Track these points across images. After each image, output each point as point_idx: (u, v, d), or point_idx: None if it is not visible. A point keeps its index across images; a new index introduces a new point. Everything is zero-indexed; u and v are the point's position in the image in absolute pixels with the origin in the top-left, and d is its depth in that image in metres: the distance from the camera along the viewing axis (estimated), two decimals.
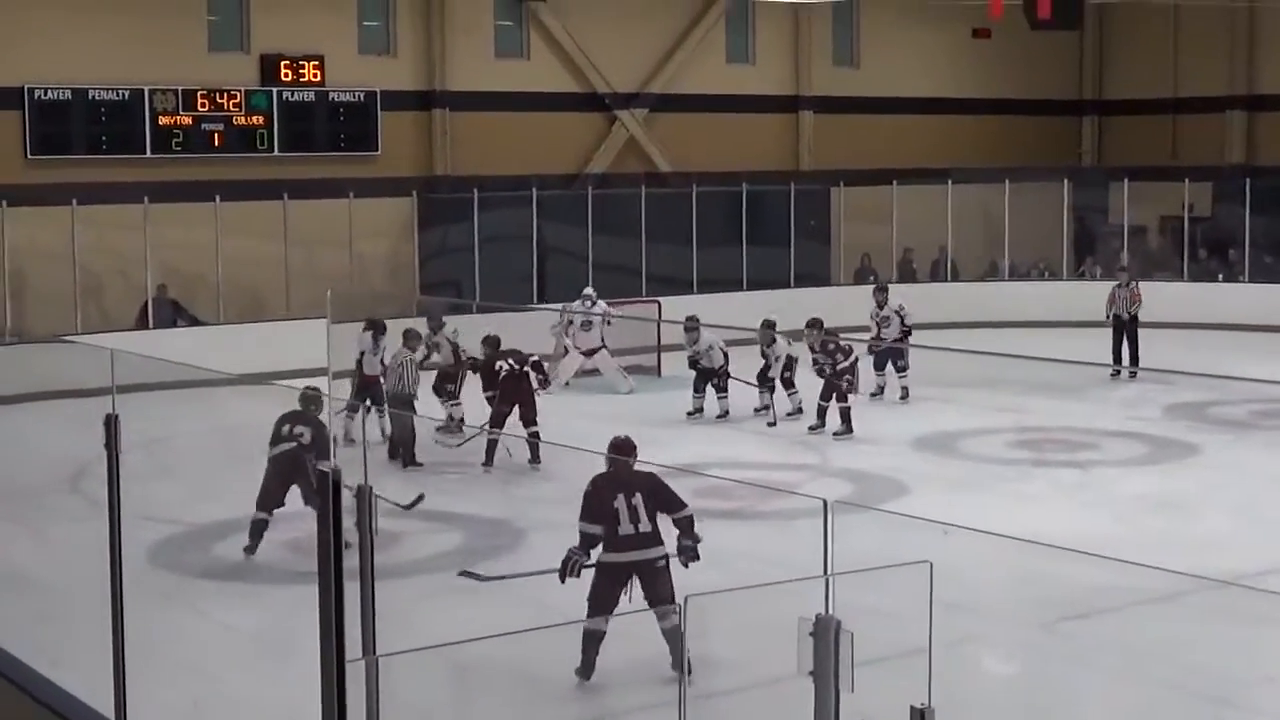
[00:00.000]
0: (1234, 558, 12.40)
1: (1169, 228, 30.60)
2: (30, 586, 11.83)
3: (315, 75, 24.93)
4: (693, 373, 19.50)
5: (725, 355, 19.28)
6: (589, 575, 9.46)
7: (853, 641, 5.12)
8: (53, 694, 7.51)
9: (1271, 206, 28.48)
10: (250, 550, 12.83)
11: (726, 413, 19.22)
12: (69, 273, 21.70)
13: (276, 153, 24.56)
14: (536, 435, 16.25)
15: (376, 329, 17.85)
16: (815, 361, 18.71)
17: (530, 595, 11.73)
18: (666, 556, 9.38)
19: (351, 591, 6.51)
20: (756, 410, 19.31)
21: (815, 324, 19.30)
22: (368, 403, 17.77)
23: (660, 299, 24.46)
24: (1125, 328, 22.72)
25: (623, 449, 9.93)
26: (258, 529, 12.91)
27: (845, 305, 23.26)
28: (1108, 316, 22.96)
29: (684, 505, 9.51)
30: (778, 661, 6.42)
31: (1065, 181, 29.86)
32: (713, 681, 8.98)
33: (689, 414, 19.35)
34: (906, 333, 20.97)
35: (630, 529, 9.35)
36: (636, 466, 9.74)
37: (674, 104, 28.54)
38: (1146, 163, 30.79)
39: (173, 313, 22.93)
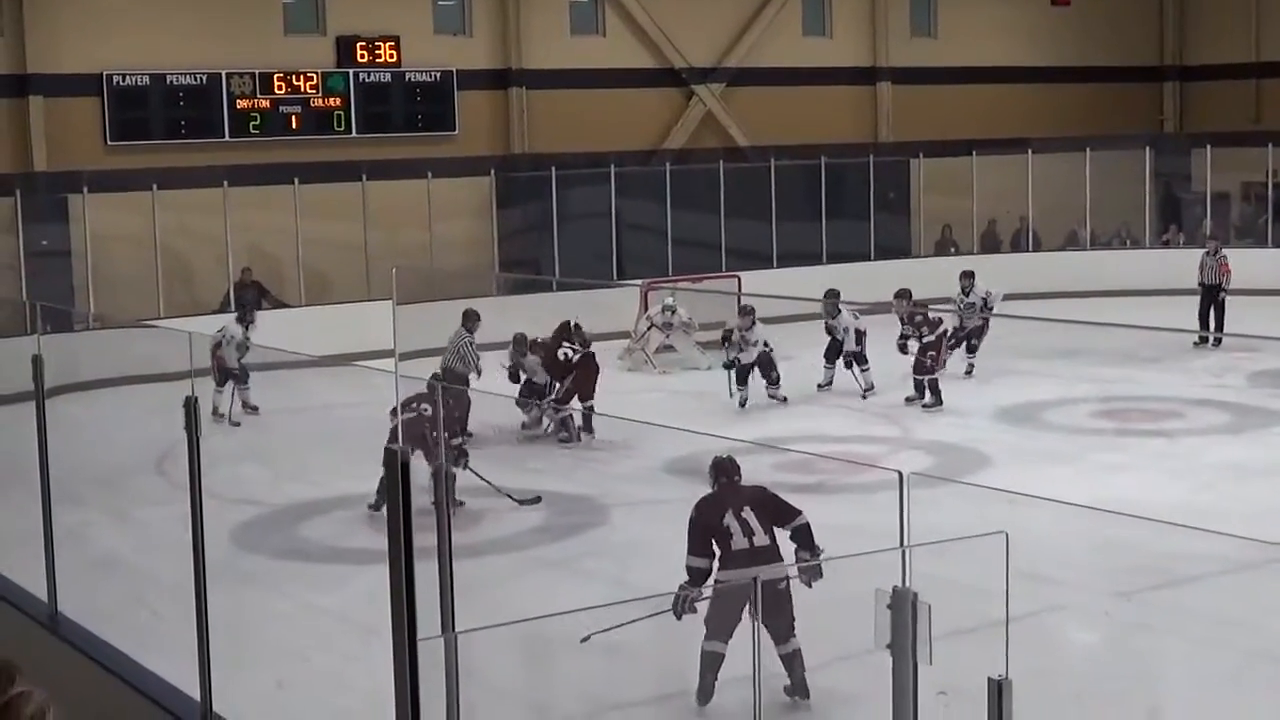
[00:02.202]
0: None
1: (1252, 194, 30.19)
2: (117, 570, 11.97)
3: (391, 56, 25.04)
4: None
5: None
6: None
7: (930, 614, 5.10)
8: (141, 676, 7.59)
9: None
10: (374, 507, 12.78)
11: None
12: (151, 257, 21.93)
13: (354, 134, 24.71)
14: (591, 409, 16.39)
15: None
16: (903, 334, 18.61)
17: (610, 573, 11.78)
18: (787, 578, 8.67)
19: (431, 570, 6.57)
20: (820, 386, 19.18)
21: (904, 294, 19.15)
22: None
23: (740, 274, 24.40)
24: (1212, 296, 22.51)
25: (725, 469, 9.26)
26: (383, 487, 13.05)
27: (927, 277, 23.10)
28: (1200, 284, 22.77)
29: (798, 513, 8.94)
30: (856, 634, 6.41)
31: (1147, 149, 29.53)
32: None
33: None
34: (986, 320, 20.43)
35: (745, 543, 8.74)
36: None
37: (751, 78, 28.45)
38: (1229, 128, 30.43)
39: (257, 295, 23.11)
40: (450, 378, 16.92)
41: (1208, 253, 23.14)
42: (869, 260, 26.85)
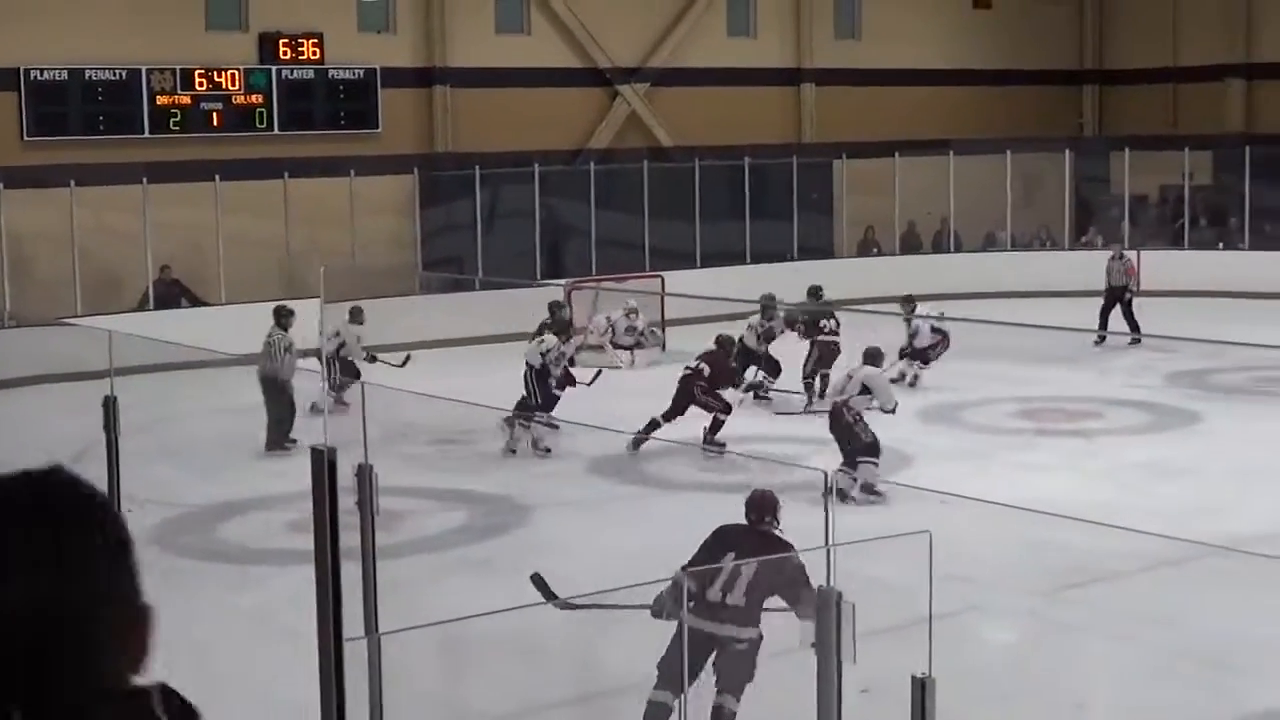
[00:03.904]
0: (1236, 523, 12.42)
1: (1169, 196, 30.56)
2: None
3: (314, 53, 24.87)
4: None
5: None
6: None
7: (854, 612, 5.11)
8: None
9: (1271, 174, 28.46)
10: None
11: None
12: (68, 255, 21.66)
13: (276, 131, 24.51)
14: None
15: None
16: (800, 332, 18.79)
17: (538, 571, 11.73)
18: (752, 641, 7.76)
19: (354, 571, 6.52)
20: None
21: (815, 292, 19.33)
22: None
23: (663, 274, 24.42)
24: (1117, 297, 22.78)
25: (756, 504, 8.21)
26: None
27: (850, 278, 23.22)
28: (1107, 287, 23.08)
29: (808, 595, 7.28)
30: (781, 633, 6.42)
31: (1066, 151, 29.85)
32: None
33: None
34: (939, 339, 19.74)
35: (718, 596, 7.77)
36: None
37: (676, 78, 28.48)
38: (1147, 132, 30.78)
39: (176, 294, 22.90)
40: (264, 382, 16.31)
41: (1113, 256, 23.43)
42: (792, 260, 26.96)
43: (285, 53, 24.63)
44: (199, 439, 16.89)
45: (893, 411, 14.37)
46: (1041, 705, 8.76)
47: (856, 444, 13.80)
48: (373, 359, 18.51)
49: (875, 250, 28.73)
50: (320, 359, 18.34)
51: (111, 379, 7.24)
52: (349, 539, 6.43)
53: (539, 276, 24.75)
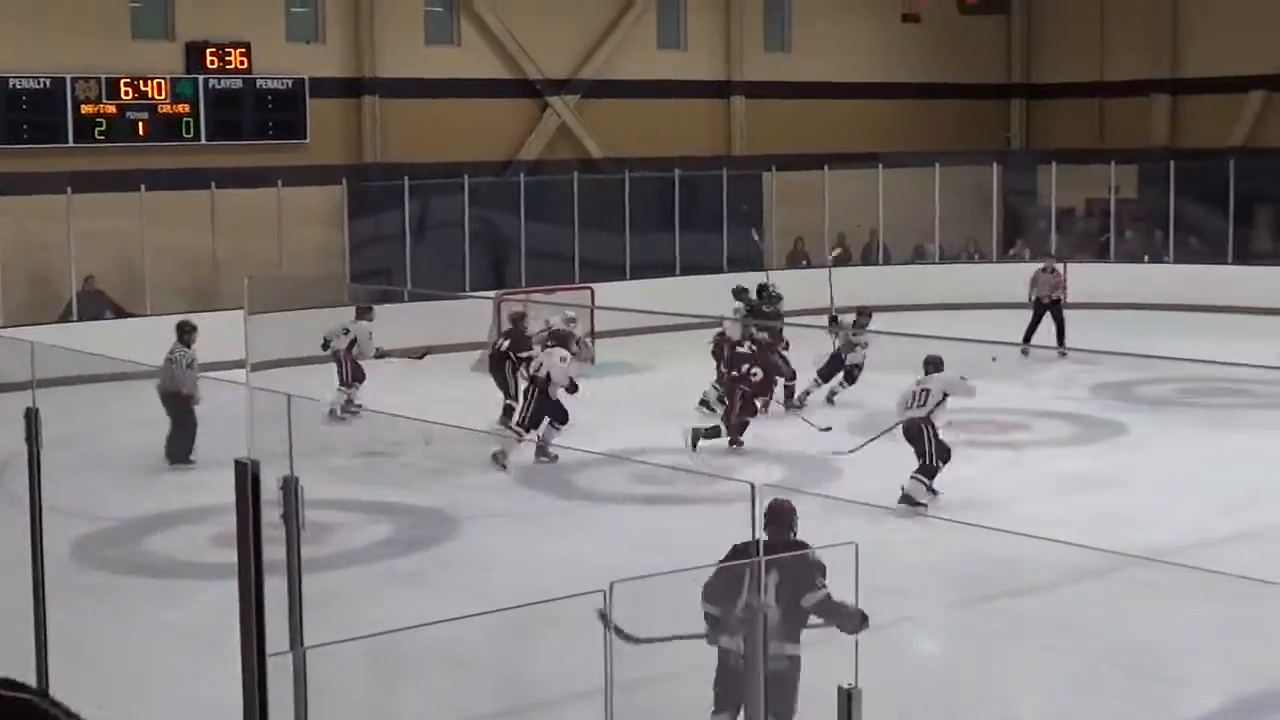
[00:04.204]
0: (1161, 534, 12.55)
1: (1096, 210, 30.87)
2: None
3: (242, 63, 24.69)
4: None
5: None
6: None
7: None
8: None
9: (1195, 188, 28.86)
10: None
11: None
12: None
13: (203, 141, 24.29)
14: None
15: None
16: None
17: (467, 583, 11.70)
18: (792, 659, 7.49)
19: (280, 584, 6.45)
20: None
21: (739, 292, 19.35)
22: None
23: (593, 285, 24.40)
24: (1049, 311, 22.96)
25: (772, 515, 7.92)
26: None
27: (780, 289, 23.24)
28: (1029, 299, 23.22)
29: (817, 588, 7.39)
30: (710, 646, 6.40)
31: (994, 165, 30.07)
32: (641, 668, 8.95)
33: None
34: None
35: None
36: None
37: (606, 90, 28.47)
38: (1073, 146, 31.05)
39: (100, 305, 22.67)
40: (165, 397, 16.17)
41: (1042, 269, 23.63)
42: (722, 272, 26.99)
43: (212, 62, 24.43)
44: (123, 451, 16.74)
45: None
46: (970, 716, 8.79)
47: (929, 455, 14.10)
48: (383, 356, 18.56)
49: (804, 262, 28.82)
50: (338, 361, 18.36)
51: (34, 391, 7.15)
52: (275, 552, 6.37)
53: (468, 288, 24.68)
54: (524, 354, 17.51)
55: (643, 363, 21.72)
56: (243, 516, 5.28)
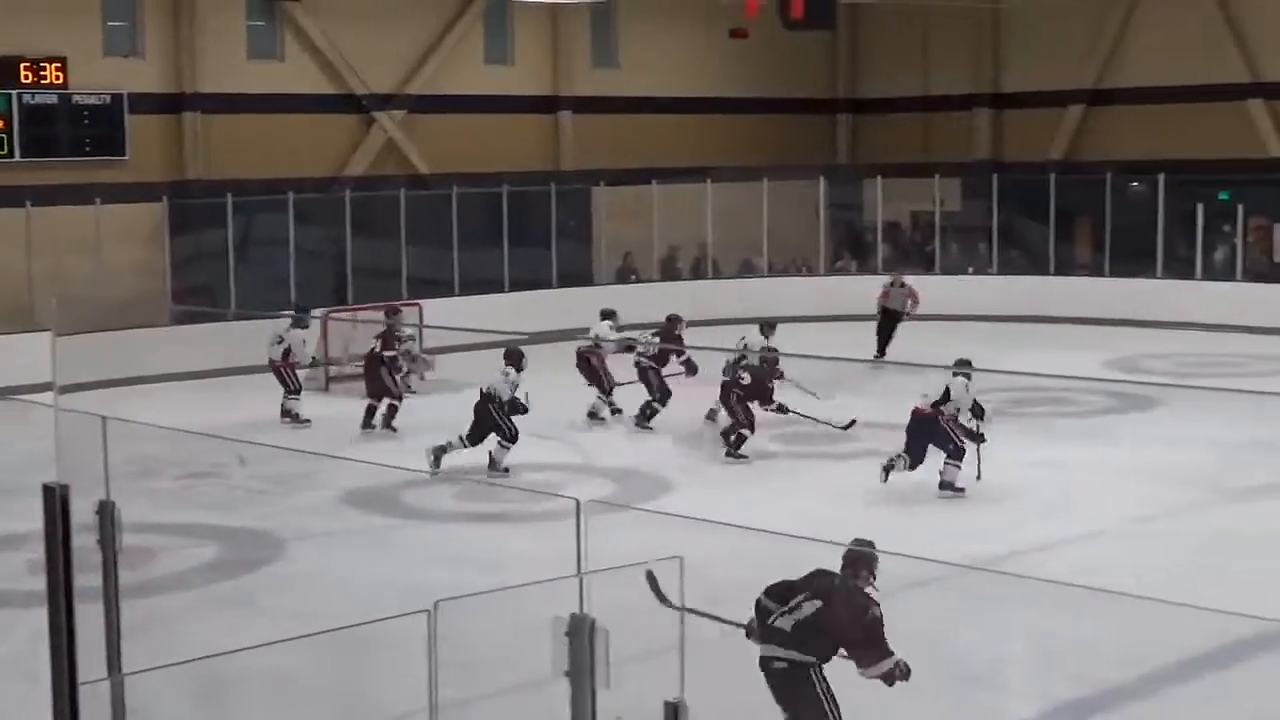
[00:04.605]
0: (986, 542, 12.74)
1: (921, 222, 31.39)
2: None
3: (57, 77, 24.11)
4: None
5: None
6: None
7: (608, 639, 5.08)
8: None
9: (1016, 200, 29.49)
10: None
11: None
12: None
13: (17, 158, 23.71)
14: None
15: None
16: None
17: (295, 608, 11.51)
18: (810, 667, 7.91)
19: (98, 611, 6.27)
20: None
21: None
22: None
23: (421, 302, 24.23)
24: (896, 320, 23.42)
25: (850, 560, 8.12)
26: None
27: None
28: (882, 308, 23.69)
29: (880, 659, 7.84)
30: (535, 663, 6.35)
31: (821, 179, 30.45)
32: (469, 687, 8.87)
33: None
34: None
35: (784, 622, 7.98)
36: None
37: (432, 105, 28.31)
38: (899, 160, 31.52)
39: None
40: None
41: (893, 282, 24.11)
42: (551, 288, 27.01)
43: (26, 76, 23.84)
44: None
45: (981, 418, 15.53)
46: None
47: (951, 446, 15.18)
48: (317, 365, 18.28)
49: (634, 277, 28.91)
50: (276, 371, 17.99)
51: None
52: (93, 578, 6.20)
53: (294, 306, 24.35)
54: (390, 352, 17.62)
55: (471, 379, 21.51)
56: (51, 541, 5.13)
